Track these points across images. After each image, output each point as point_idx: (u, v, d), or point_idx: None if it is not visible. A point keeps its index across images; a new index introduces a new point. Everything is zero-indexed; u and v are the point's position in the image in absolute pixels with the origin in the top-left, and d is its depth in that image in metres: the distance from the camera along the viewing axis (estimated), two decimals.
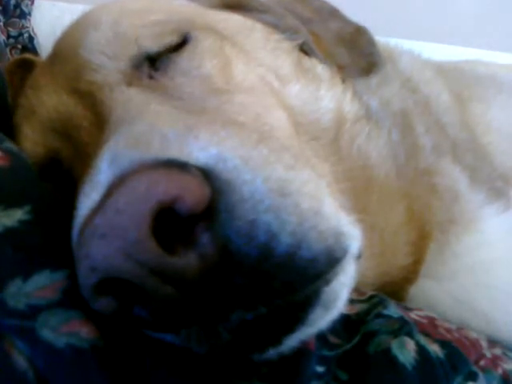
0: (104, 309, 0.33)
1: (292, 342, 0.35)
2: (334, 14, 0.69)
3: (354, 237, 0.37)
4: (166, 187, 0.31)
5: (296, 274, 0.33)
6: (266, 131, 0.46)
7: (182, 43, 0.53)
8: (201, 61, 0.52)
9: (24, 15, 1.19)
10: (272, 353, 0.35)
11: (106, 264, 0.31)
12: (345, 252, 0.35)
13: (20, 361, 0.33)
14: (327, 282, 0.35)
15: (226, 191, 0.32)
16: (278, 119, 0.50)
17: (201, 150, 0.34)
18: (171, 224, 0.31)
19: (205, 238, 0.31)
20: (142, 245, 0.30)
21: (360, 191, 0.55)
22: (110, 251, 0.31)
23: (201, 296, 0.32)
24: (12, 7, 1.18)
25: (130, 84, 0.50)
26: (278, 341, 0.35)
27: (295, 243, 0.33)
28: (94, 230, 0.32)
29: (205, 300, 0.32)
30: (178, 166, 0.33)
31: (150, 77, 0.51)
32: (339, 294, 0.36)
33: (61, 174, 0.52)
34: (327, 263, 0.34)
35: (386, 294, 0.52)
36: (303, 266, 0.33)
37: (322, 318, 0.36)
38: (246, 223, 0.32)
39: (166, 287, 0.31)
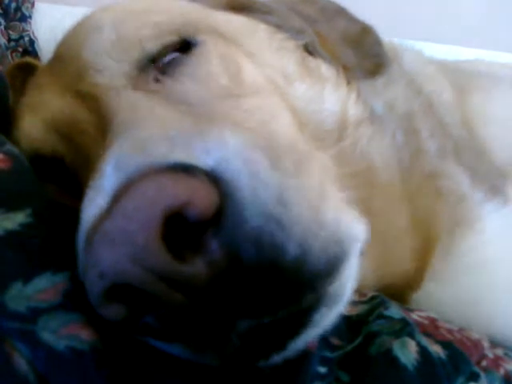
0: (112, 316, 0.32)
1: (297, 345, 0.35)
2: (340, 12, 0.68)
3: (357, 235, 0.37)
4: (175, 192, 0.31)
5: (301, 281, 0.33)
6: (272, 136, 0.46)
7: (188, 47, 0.53)
8: (208, 64, 0.51)
9: (24, 18, 1.19)
10: (277, 358, 0.35)
11: (114, 270, 0.30)
12: (348, 253, 0.35)
13: (21, 363, 0.33)
14: (331, 284, 0.35)
15: (234, 197, 0.32)
16: (284, 122, 0.50)
17: (207, 153, 0.34)
18: (180, 230, 0.31)
19: (213, 244, 0.31)
20: (151, 251, 0.30)
21: (363, 194, 0.54)
22: (119, 257, 0.30)
23: (208, 303, 0.31)
24: (12, 10, 1.18)
25: (135, 87, 0.49)
26: (282, 346, 0.35)
27: (300, 249, 0.32)
28: (103, 236, 0.31)
29: (213, 307, 0.32)
30: (185, 169, 0.33)
31: (157, 80, 0.50)
32: (343, 292, 0.36)
33: (64, 174, 0.52)
34: (331, 266, 0.34)
35: (387, 297, 0.52)
36: (308, 273, 0.33)
37: (327, 318, 0.36)
38: (252, 230, 0.31)
39: (175, 294, 0.31)
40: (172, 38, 0.53)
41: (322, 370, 0.40)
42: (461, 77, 0.74)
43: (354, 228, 0.37)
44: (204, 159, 0.34)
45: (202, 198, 0.31)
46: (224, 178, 0.33)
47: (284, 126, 0.49)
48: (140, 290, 0.31)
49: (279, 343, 0.34)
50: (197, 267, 0.31)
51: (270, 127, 0.47)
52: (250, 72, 0.53)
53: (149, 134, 0.38)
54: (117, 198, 0.32)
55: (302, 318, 0.34)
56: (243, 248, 0.31)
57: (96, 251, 0.32)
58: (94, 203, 0.34)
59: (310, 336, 0.36)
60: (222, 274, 0.31)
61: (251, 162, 0.34)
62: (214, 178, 0.32)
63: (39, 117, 0.54)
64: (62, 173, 0.52)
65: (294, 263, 0.32)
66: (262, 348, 0.34)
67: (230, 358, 0.34)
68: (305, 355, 0.38)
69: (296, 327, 0.34)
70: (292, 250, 0.32)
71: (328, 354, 0.41)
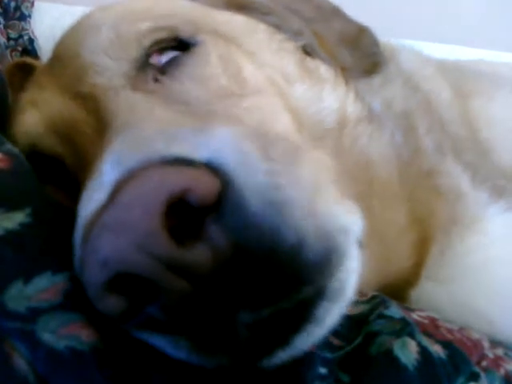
0: (112, 309, 0.32)
1: (302, 342, 0.35)
2: (337, 13, 0.69)
3: (354, 223, 0.37)
4: (176, 179, 0.31)
5: (299, 268, 0.33)
6: (270, 133, 0.46)
7: (185, 45, 0.53)
8: (208, 65, 0.51)
9: (24, 17, 1.19)
10: (282, 355, 0.35)
11: (118, 258, 0.30)
12: (346, 241, 0.36)
13: (20, 363, 0.33)
14: (331, 276, 0.35)
15: (232, 185, 0.33)
16: (283, 122, 0.50)
17: (203, 146, 0.35)
18: (182, 218, 0.31)
19: (215, 232, 0.32)
20: (154, 237, 0.30)
21: (362, 193, 0.54)
22: (122, 244, 0.30)
23: (212, 292, 0.32)
24: (12, 9, 1.18)
25: (134, 88, 0.49)
26: (286, 341, 0.34)
27: (298, 238, 0.33)
28: (105, 224, 0.32)
29: (215, 297, 0.32)
30: (186, 162, 0.33)
31: (156, 80, 0.50)
32: (344, 287, 0.36)
33: (63, 176, 0.51)
34: (329, 257, 0.34)
35: (386, 295, 0.52)
36: (305, 259, 0.33)
37: (329, 314, 0.36)
38: (251, 215, 0.32)
39: (179, 281, 0.31)
40: (164, 34, 0.52)
41: (323, 370, 0.40)
42: (461, 77, 0.74)
43: (349, 217, 0.37)
44: (200, 152, 0.34)
45: (201, 185, 0.32)
46: (221, 167, 0.33)
47: (282, 125, 0.49)
48: (141, 279, 0.31)
49: (283, 338, 0.34)
50: (200, 253, 0.31)
51: (269, 126, 0.47)
52: (250, 72, 0.53)
53: (147, 133, 0.38)
54: (118, 189, 0.33)
55: (305, 311, 0.34)
56: (244, 233, 0.32)
57: (98, 239, 0.32)
58: (93, 198, 0.35)
59: (314, 334, 0.35)
60: (225, 261, 0.31)
61: (245, 151, 0.35)
62: (211, 169, 0.33)
63: (39, 113, 0.53)
64: (60, 173, 0.52)
65: (291, 248, 0.32)
66: (265, 344, 0.34)
67: (237, 357, 0.34)
68: (307, 356, 0.38)
69: (299, 321, 0.34)
70: (289, 234, 0.32)
71: (328, 354, 0.41)
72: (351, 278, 0.36)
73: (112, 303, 0.32)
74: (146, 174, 0.33)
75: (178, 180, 0.31)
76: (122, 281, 0.31)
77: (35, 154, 0.52)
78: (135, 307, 0.32)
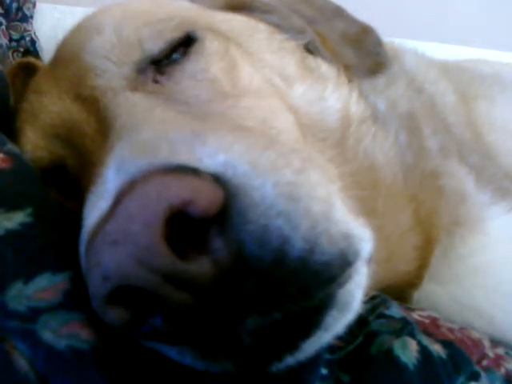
0: (116, 320, 0.32)
1: (310, 348, 0.35)
2: (339, 13, 0.68)
3: (365, 239, 0.37)
4: (177, 191, 0.31)
5: (309, 278, 0.33)
6: (273, 135, 0.46)
7: (186, 45, 0.52)
8: (207, 64, 0.51)
9: (26, 18, 1.20)
10: (290, 360, 0.35)
11: (118, 272, 0.30)
12: (357, 254, 0.35)
13: (21, 362, 0.33)
14: (341, 285, 0.34)
15: (237, 196, 0.32)
16: (285, 122, 0.49)
17: (210, 156, 0.34)
18: (184, 230, 0.31)
19: (218, 243, 0.31)
20: (154, 251, 0.30)
21: (366, 194, 0.54)
22: (122, 258, 0.30)
23: (215, 302, 0.31)
24: (14, 10, 1.19)
25: (134, 89, 0.49)
26: (294, 346, 0.34)
27: (308, 247, 0.32)
28: (105, 238, 0.31)
29: (219, 306, 0.31)
30: (189, 170, 0.33)
31: (155, 81, 0.50)
32: (353, 296, 0.36)
33: (66, 180, 0.51)
34: (340, 266, 0.34)
35: (388, 296, 0.52)
36: (316, 270, 0.33)
37: (338, 321, 0.36)
38: (258, 228, 0.32)
39: (181, 293, 0.31)
40: (175, 34, 0.52)
41: (324, 371, 0.40)
42: (464, 78, 0.73)
43: (362, 231, 0.37)
44: (207, 162, 0.34)
45: (204, 197, 0.31)
46: (227, 179, 0.33)
47: (285, 125, 0.49)
48: (144, 291, 0.30)
49: (292, 343, 0.34)
50: (202, 265, 0.31)
51: (271, 125, 0.47)
52: (249, 72, 0.53)
53: (149, 136, 0.38)
54: (119, 199, 0.32)
55: (313, 317, 0.34)
56: (248, 246, 0.31)
57: (99, 253, 0.31)
58: (96, 207, 0.34)
59: (321, 340, 0.36)
60: (228, 271, 0.31)
61: (253, 162, 0.34)
62: (217, 180, 0.32)
63: (39, 125, 0.53)
64: (63, 182, 0.51)
65: (301, 257, 0.32)
66: (274, 349, 0.34)
67: (243, 363, 0.34)
68: (310, 358, 0.38)
69: (307, 327, 0.34)
70: (299, 242, 0.32)
71: (328, 355, 0.41)
72: (358, 292, 0.36)
73: (114, 315, 0.32)
74: (148, 183, 0.32)
75: (179, 191, 0.31)
76: (125, 292, 0.31)
77: (41, 173, 0.51)
78: (139, 318, 0.32)
